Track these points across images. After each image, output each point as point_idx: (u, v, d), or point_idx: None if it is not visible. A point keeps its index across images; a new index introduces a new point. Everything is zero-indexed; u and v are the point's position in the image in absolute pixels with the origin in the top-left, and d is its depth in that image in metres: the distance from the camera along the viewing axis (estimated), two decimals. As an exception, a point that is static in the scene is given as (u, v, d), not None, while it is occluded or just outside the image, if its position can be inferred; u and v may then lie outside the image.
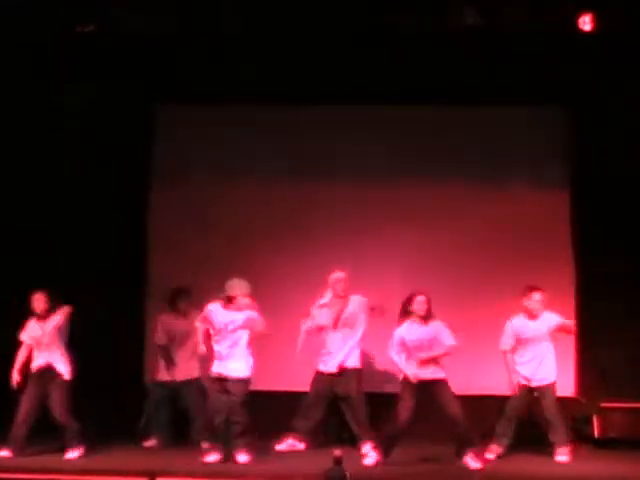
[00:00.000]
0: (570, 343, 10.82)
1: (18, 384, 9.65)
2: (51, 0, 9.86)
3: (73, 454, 9.50)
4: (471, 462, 9.22)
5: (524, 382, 9.85)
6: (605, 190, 11.00)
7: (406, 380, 9.36)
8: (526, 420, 10.03)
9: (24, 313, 9.76)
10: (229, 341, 9.39)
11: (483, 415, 10.27)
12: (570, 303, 10.96)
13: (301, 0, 10.04)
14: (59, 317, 9.62)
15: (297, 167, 11.36)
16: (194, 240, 11.27)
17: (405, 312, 9.50)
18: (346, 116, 11.27)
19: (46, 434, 9.73)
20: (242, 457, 9.30)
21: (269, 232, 11.22)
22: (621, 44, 10.24)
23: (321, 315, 10.18)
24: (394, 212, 11.23)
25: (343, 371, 10.10)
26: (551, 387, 9.84)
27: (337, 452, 8.10)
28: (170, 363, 10.40)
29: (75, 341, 9.85)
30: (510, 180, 11.23)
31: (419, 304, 9.43)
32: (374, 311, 10.27)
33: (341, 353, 10.12)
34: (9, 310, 10.21)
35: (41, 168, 11.27)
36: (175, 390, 10.36)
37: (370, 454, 9.32)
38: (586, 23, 9.94)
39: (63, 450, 9.56)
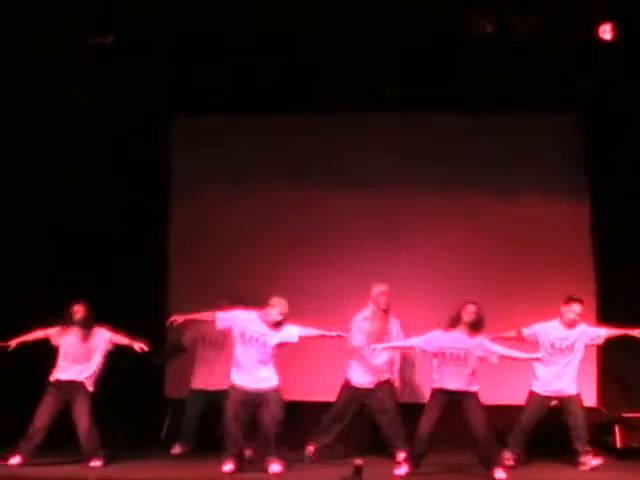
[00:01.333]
0: (592, 353, 10.75)
1: (3, 349, 9.57)
2: (69, 11, 9.80)
3: (95, 463, 9.48)
4: (497, 474, 9.14)
5: (543, 392, 9.84)
6: (624, 200, 10.99)
7: (435, 390, 9.31)
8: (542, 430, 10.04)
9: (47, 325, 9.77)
10: (260, 353, 9.34)
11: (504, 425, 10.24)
12: (591, 313, 10.90)
13: (310, 10, 9.98)
14: (106, 341, 9.64)
15: (312, 176, 11.41)
16: (214, 249, 11.35)
17: (454, 320, 9.36)
18: (360, 124, 11.32)
19: (55, 444, 9.71)
20: (275, 467, 9.26)
21: (286, 240, 11.29)
22: (634, 52, 10.17)
23: (362, 329, 10.05)
24: (409, 221, 11.29)
25: (379, 385, 10.06)
26: (578, 397, 9.85)
27: (358, 461, 8.12)
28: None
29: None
30: (528, 190, 11.25)
31: (469, 313, 9.31)
32: None
33: (378, 371, 10.07)
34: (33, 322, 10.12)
35: (59, 180, 11.36)
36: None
37: (402, 465, 9.25)
38: (606, 32, 9.88)
39: (80, 460, 9.53)
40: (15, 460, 9.45)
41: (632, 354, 10.76)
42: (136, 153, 11.40)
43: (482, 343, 9.24)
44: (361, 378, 10.05)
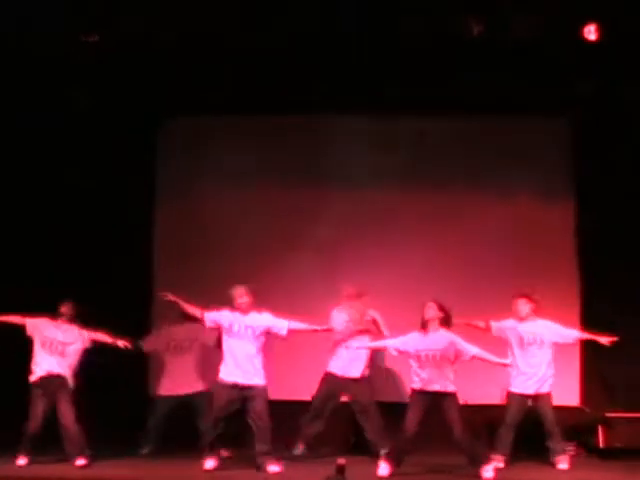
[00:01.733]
0: (575, 353, 10.88)
1: None
2: (59, 10, 9.80)
3: (81, 462, 9.49)
4: (484, 473, 9.15)
5: (520, 391, 9.91)
6: (610, 201, 11.05)
7: (415, 391, 9.32)
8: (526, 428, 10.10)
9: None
10: (250, 344, 9.43)
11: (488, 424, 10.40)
12: (574, 313, 11.02)
13: (308, 11, 10.00)
14: (84, 340, 9.73)
15: (307, 176, 11.47)
16: (198, 250, 11.40)
17: (424, 322, 9.39)
18: (353, 125, 11.41)
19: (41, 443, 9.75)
20: (274, 467, 9.32)
21: (273, 243, 11.32)
22: (627, 54, 10.24)
23: (341, 322, 10.14)
24: (405, 221, 11.34)
25: (358, 378, 10.12)
26: (548, 395, 9.90)
27: (341, 461, 8.14)
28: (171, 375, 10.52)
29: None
30: (515, 190, 11.32)
31: (428, 310, 9.35)
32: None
33: (360, 361, 10.13)
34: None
35: (48, 179, 11.41)
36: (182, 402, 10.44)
37: (382, 465, 9.23)
38: (591, 33, 9.91)
39: (66, 459, 9.56)
40: (22, 462, 9.53)
41: (615, 354, 10.64)
42: (131, 153, 11.47)
43: (454, 343, 9.26)
44: (340, 368, 10.11)
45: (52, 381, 9.60)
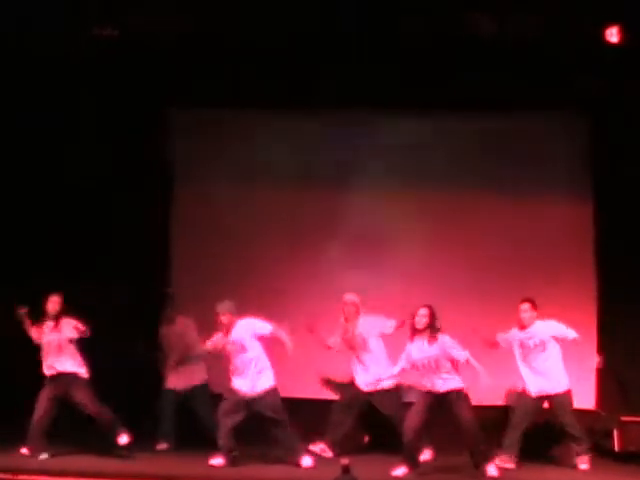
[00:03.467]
0: (591, 356, 10.81)
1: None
2: (68, 3, 9.96)
3: (123, 439, 9.68)
4: (489, 471, 9.22)
5: (530, 393, 9.94)
6: (628, 201, 10.98)
7: (423, 392, 9.38)
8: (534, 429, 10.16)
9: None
10: (246, 356, 9.57)
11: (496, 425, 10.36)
12: (592, 316, 11.00)
13: (319, 7, 10.12)
14: (72, 330, 9.76)
15: (313, 172, 11.48)
16: (212, 243, 11.43)
17: (413, 330, 9.46)
18: (364, 122, 11.37)
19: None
20: (308, 460, 9.55)
21: (284, 236, 11.37)
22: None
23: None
24: (409, 220, 11.33)
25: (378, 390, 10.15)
26: (565, 395, 9.90)
27: (344, 461, 8.19)
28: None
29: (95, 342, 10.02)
30: (531, 188, 11.24)
31: (418, 317, 9.39)
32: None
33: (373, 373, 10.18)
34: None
35: (62, 169, 11.47)
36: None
37: (399, 467, 9.31)
38: (613, 35, 9.98)
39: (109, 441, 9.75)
40: (44, 456, 9.65)
41: (632, 357, 10.84)
42: (137, 143, 11.47)
43: (445, 347, 9.28)
44: (360, 380, 10.18)
45: (63, 377, 9.75)
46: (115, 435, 9.68)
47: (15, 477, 9.05)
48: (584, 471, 9.83)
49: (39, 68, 10.81)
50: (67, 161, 11.44)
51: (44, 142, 11.38)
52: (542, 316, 10.12)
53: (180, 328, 10.58)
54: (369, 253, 11.17)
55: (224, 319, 9.52)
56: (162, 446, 10.42)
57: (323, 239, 11.32)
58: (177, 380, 10.58)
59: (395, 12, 10.12)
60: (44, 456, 9.66)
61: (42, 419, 9.71)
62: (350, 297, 10.18)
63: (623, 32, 9.94)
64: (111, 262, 11.23)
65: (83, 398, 9.69)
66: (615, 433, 10.56)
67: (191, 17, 10.16)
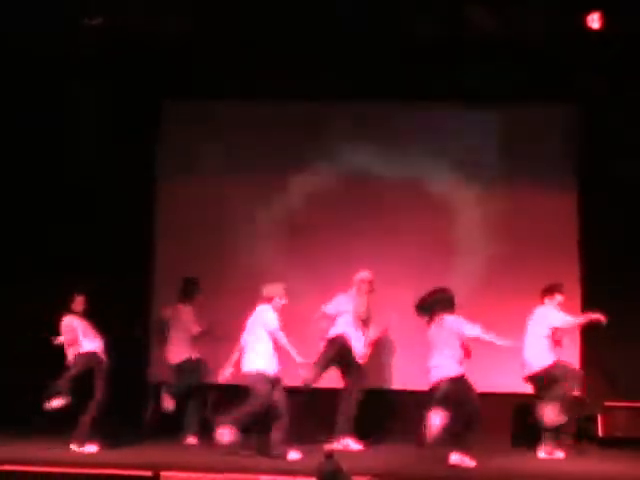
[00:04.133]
0: (575, 344, 11.03)
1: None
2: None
3: (90, 448, 9.77)
4: (463, 461, 9.27)
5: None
6: (613, 192, 11.17)
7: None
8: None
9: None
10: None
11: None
12: (576, 306, 11.07)
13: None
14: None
15: (299, 164, 11.60)
16: (198, 234, 11.54)
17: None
18: (354, 113, 11.51)
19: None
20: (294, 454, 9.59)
21: (270, 229, 11.53)
22: (627, 46, 10.48)
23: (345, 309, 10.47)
24: (406, 208, 11.47)
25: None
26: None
27: (328, 447, 8.33)
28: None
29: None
30: (522, 179, 11.41)
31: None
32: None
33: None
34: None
35: (52, 161, 11.61)
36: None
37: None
38: (594, 21, 10.09)
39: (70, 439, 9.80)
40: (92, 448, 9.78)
41: (614, 345, 10.96)
42: (133, 134, 11.62)
43: (450, 324, 9.45)
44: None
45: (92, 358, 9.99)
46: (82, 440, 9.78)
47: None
48: (570, 457, 9.94)
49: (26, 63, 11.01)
50: (53, 155, 11.61)
51: (34, 138, 11.57)
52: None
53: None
54: (367, 245, 11.30)
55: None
56: (191, 440, 10.50)
57: (311, 231, 11.43)
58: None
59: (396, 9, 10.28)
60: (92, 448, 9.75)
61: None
62: (367, 274, 10.40)
63: (604, 18, 10.05)
64: (97, 255, 11.34)
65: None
66: (599, 419, 10.81)
67: (182, 12, 10.36)
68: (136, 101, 11.57)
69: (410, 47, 10.82)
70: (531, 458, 9.90)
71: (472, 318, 9.94)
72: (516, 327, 10.20)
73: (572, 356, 10.95)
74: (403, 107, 11.46)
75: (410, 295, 9.94)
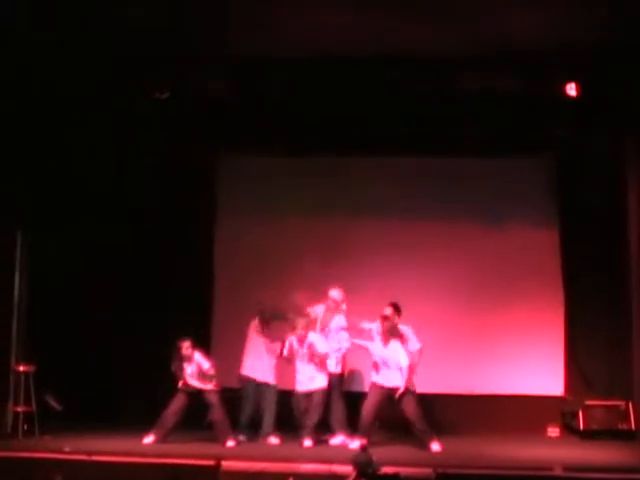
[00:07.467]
0: (560, 350, 12.02)
1: None
2: (132, 70, 11.06)
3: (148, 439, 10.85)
4: (433, 446, 10.46)
5: None
6: (589, 226, 12.06)
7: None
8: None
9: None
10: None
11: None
12: (560, 320, 12.20)
13: (339, 66, 11.06)
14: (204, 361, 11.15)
15: (337, 209, 12.69)
16: (253, 269, 12.69)
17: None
18: (377, 166, 12.57)
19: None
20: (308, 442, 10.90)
21: (313, 263, 12.57)
22: (596, 107, 11.15)
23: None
24: (417, 245, 12.46)
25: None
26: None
27: (362, 441, 9.24)
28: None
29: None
30: (505, 221, 12.34)
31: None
32: None
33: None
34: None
35: (128, 210, 12.89)
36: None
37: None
38: (572, 89, 10.91)
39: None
40: (149, 439, 10.78)
41: (594, 351, 11.90)
42: (190, 185, 12.82)
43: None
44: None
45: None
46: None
47: (90, 457, 9.68)
48: (555, 447, 10.83)
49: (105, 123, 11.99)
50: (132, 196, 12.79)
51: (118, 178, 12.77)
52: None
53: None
54: (375, 274, 12.27)
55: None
56: (238, 440, 11.02)
57: (338, 261, 12.43)
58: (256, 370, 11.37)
59: (385, 73, 11.01)
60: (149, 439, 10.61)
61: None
62: (335, 293, 11.30)
63: (581, 87, 10.83)
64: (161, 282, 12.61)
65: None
66: (580, 415, 11.58)
67: (231, 77, 11.17)
68: (202, 157, 12.62)
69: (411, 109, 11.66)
70: (523, 446, 10.68)
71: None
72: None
73: (558, 363, 11.99)
74: (414, 161, 12.50)
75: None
